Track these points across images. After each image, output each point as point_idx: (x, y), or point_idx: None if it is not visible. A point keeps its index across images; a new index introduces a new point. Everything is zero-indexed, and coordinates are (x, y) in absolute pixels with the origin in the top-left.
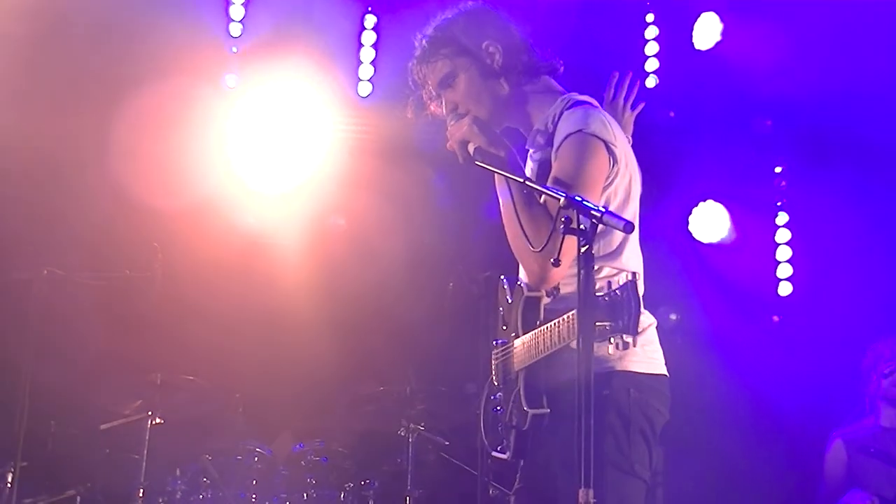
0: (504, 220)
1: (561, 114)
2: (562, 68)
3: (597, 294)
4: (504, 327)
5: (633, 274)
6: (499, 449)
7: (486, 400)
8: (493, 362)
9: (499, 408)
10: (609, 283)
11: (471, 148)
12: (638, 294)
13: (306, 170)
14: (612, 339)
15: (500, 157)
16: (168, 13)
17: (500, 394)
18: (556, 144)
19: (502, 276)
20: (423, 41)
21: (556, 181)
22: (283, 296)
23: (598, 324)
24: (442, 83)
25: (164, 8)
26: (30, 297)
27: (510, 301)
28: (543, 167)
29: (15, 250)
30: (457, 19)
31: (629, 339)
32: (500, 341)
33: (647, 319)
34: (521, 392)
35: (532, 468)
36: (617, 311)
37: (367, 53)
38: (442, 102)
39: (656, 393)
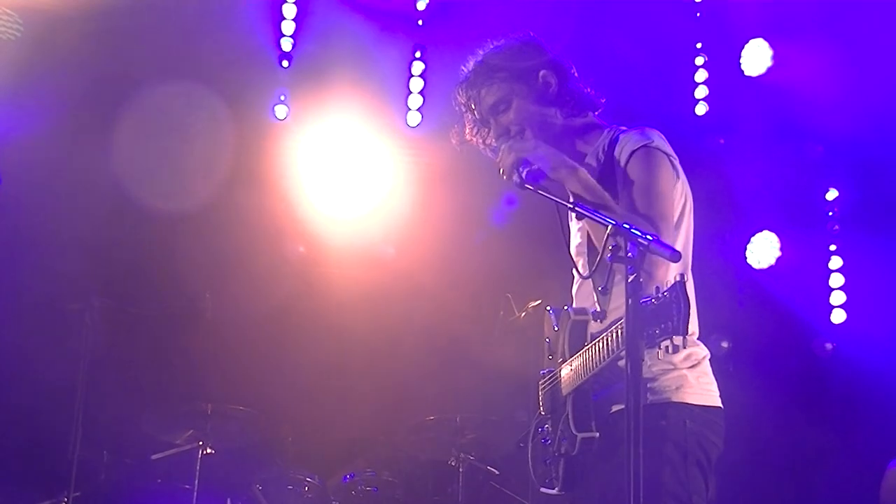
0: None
1: (615, 140)
2: (603, 105)
3: (642, 301)
4: (550, 356)
5: (682, 275)
6: (547, 482)
7: (534, 432)
8: (539, 392)
9: (547, 439)
10: (657, 287)
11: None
12: (686, 294)
13: (356, 199)
14: (661, 344)
15: (553, 182)
16: (220, 46)
17: (547, 425)
18: (621, 162)
19: (548, 307)
20: (478, 65)
21: (632, 196)
22: (333, 325)
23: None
24: (495, 107)
25: (216, 40)
26: (82, 327)
27: (556, 329)
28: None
29: (67, 280)
30: (513, 46)
31: (679, 341)
32: (546, 371)
33: (701, 351)
34: (570, 416)
35: (583, 499)
36: (664, 313)
37: (417, 83)
38: (491, 128)
39: (712, 425)
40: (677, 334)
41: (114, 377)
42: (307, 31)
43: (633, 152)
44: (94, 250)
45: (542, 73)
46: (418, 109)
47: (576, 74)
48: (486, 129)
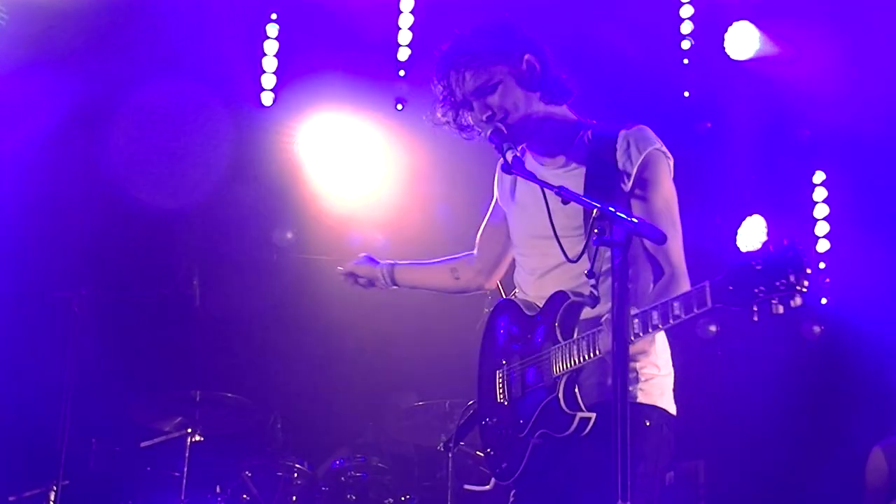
0: None
1: (607, 136)
2: (577, 94)
3: (749, 257)
4: (515, 346)
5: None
6: (497, 472)
7: (478, 422)
8: (499, 380)
9: (504, 428)
10: (767, 245)
11: (509, 156)
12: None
13: (348, 186)
14: (773, 303)
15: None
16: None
17: (503, 413)
18: (634, 160)
19: (513, 295)
20: (461, 46)
21: (663, 200)
22: (322, 312)
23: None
24: (481, 89)
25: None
26: (69, 315)
27: (530, 315)
28: (580, 179)
29: (55, 269)
30: (496, 28)
31: (798, 302)
32: (509, 359)
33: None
34: (561, 397)
35: (531, 491)
36: (778, 270)
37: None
38: (474, 110)
39: (676, 437)
40: (794, 291)
41: (102, 365)
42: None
43: (648, 153)
44: (82, 239)
45: (526, 56)
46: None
47: (560, 61)
48: (466, 112)
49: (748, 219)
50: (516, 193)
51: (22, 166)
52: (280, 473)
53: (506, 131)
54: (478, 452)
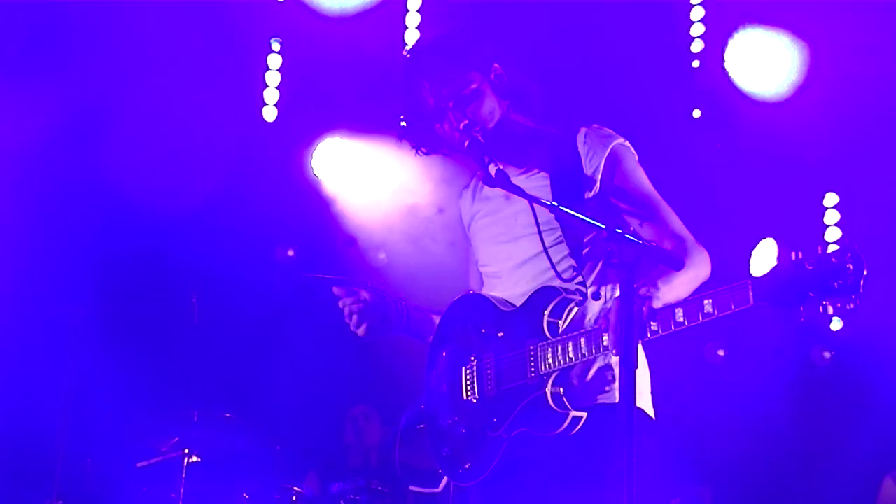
0: None
1: (561, 138)
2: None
3: (802, 261)
4: (486, 341)
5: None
6: (435, 475)
7: (429, 421)
8: (465, 377)
9: (459, 427)
10: (820, 247)
11: (492, 169)
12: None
13: (350, 204)
14: (823, 304)
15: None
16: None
17: (470, 410)
18: (600, 155)
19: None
20: (434, 55)
21: (643, 186)
22: (325, 332)
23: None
24: (458, 97)
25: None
26: (66, 331)
27: (506, 310)
28: (545, 183)
29: (52, 282)
30: (465, 37)
31: (851, 306)
32: (480, 355)
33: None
34: (550, 393)
35: (510, 481)
36: (836, 271)
37: None
38: (446, 119)
39: (658, 441)
40: (851, 294)
41: (98, 383)
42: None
43: (612, 145)
44: (78, 255)
45: (494, 64)
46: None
47: (517, 68)
48: (436, 123)
49: (762, 242)
50: (480, 201)
51: (23, 172)
52: (278, 496)
53: (483, 141)
54: None
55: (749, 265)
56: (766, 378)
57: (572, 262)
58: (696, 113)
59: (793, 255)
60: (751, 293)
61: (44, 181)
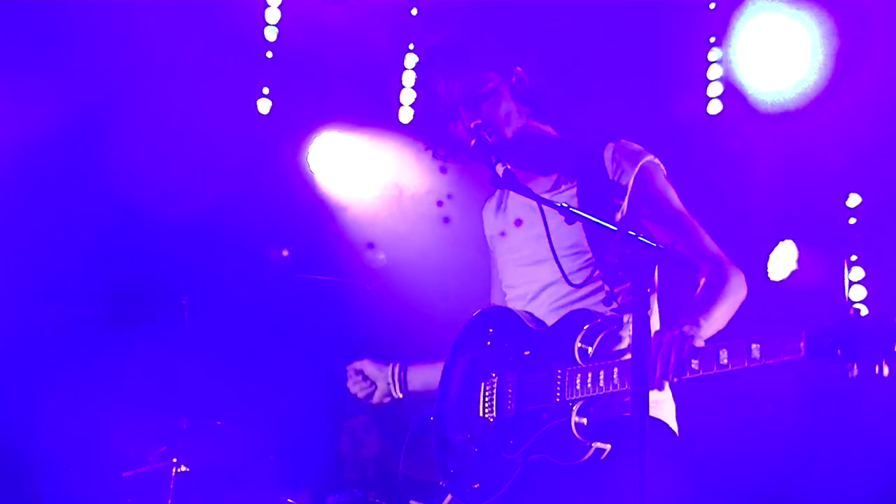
0: None
1: (588, 150)
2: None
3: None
4: (510, 358)
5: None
6: (466, 492)
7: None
8: (485, 393)
9: (473, 445)
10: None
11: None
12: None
13: (347, 203)
14: (878, 367)
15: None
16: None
17: (485, 429)
18: (629, 172)
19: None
20: (452, 52)
21: (674, 209)
22: (319, 335)
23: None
24: (473, 95)
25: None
26: (49, 333)
27: (535, 328)
28: (573, 198)
29: (34, 283)
30: (488, 36)
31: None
32: (502, 372)
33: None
34: (574, 422)
35: None
36: (874, 332)
37: (409, 77)
38: (460, 119)
39: (683, 457)
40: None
41: (82, 388)
42: (293, 21)
43: (641, 167)
44: (66, 250)
45: (517, 68)
46: (411, 105)
47: (543, 76)
48: (450, 123)
49: (780, 244)
50: (505, 219)
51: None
52: None
53: (491, 141)
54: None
55: (766, 269)
56: (786, 382)
57: (602, 285)
58: (715, 107)
59: (851, 310)
60: (803, 344)
61: (18, 175)
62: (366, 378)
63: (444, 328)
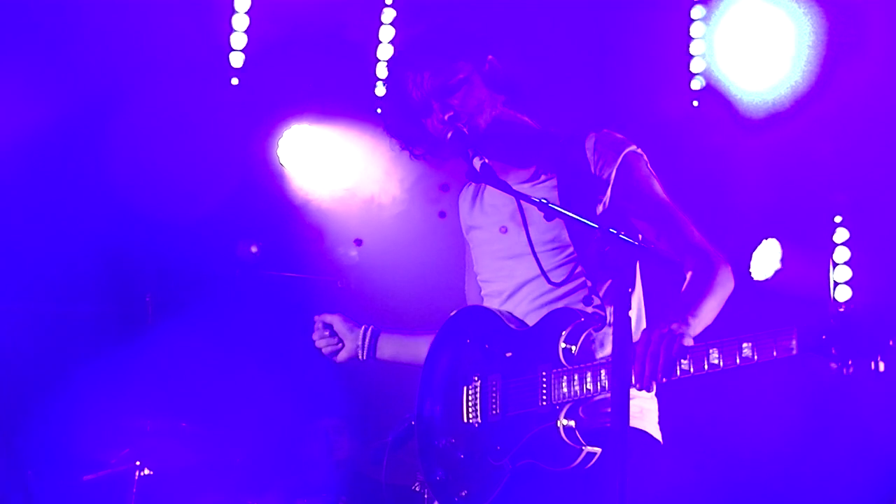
0: None
1: (569, 142)
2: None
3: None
4: (492, 360)
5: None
6: (454, 501)
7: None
8: (468, 397)
9: (459, 451)
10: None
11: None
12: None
13: (319, 196)
14: (876, 360)
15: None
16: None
17: (471, 434)
18: (611, 163)
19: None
20: (419, 44)
21: (658, 200)
22: (289, 335)
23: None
24: (443, 88)
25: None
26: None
27: (515, 329)
28: (553, 191)
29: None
30: (457, 25)
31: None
32: (484, 374)
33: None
34: (563, 426)
35: None
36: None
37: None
38: (433, 113)
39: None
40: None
41: (39, 387)
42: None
43: (624, 157)
44: (20, 245)
45: (489, 56)
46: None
47: (518, 64)
48: (423, 119)
49: (763, 242)
50: (482, 213)
51: None
52: None
53: (467, 133)
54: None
55: (749, 267)
56: (772, 382)
57: (585, 281)
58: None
59: (842, 307)
60: (795, 342)
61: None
62: (333, 334)
63: (419, 326)
